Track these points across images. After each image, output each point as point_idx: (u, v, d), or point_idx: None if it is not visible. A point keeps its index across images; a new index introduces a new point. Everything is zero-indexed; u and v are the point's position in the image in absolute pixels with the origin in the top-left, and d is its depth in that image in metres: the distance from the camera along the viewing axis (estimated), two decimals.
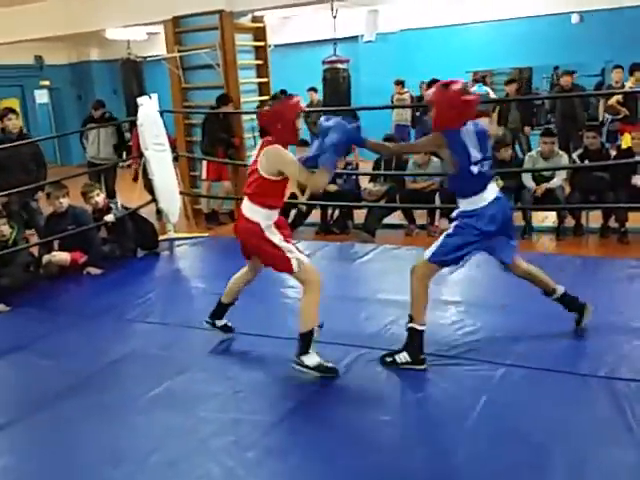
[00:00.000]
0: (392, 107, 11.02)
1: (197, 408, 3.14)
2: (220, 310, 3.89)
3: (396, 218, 6.83)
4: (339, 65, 7.54)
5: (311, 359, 3.32)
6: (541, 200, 6.00)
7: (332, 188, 6.94)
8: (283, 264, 3.38)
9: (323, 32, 9.15)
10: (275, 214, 3.45)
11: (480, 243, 3.35)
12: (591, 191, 5.96)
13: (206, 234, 6.81)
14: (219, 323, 3.91)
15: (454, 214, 3.45)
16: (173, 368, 3.57)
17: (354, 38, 11.79)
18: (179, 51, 7.72)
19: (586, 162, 6.08)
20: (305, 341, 3.33)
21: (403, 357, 3.36)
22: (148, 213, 6.70)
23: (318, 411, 3.06)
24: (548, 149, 6.11)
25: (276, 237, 3.38)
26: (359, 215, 6.88)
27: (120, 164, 10.68)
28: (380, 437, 2.83)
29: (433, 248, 3.37)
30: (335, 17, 7.02)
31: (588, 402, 2.96)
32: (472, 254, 3.62)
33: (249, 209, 3.43)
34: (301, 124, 3.40)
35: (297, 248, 3.48)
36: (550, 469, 2.50)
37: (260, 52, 8.04)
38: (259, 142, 3.57)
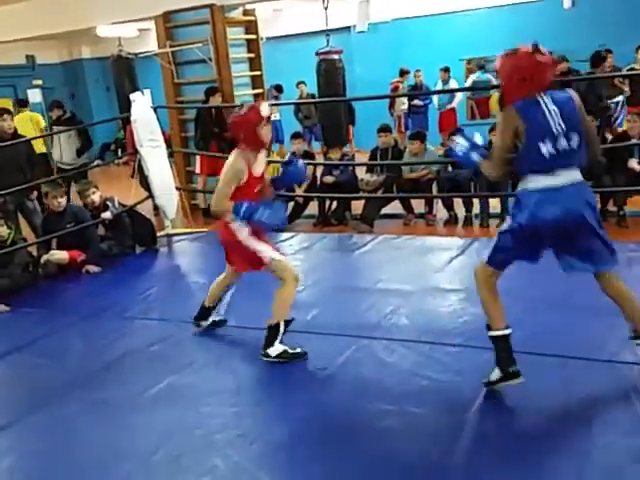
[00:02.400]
0: (386, 97, 10.98)
1: (200, 403, 3.14)
2: (203, 313, 3.96)
3: (394, 208, 6.82)
4: (334, 56, 7.51)
5: (274, 350, 3.43)
6: None
7: (329, 180, 6.93)
8: (254, 261, 3.51)
9: (315, 24, 9.12)
10: None
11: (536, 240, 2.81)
12: (588, 175, 5.93)
13: (204, 229, 6.79)
14: (205, 323, 3.98)
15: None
16: (174, 364, 3.57)
17: (346, 29, 11.75)
18: (171, 46, 7.69)
19: None
20: (271, 334, 3.45)
21: (495, 375, 2.93)
22: (145, 210, 6.67)
23: (322, 402, 3.05)
24: None
25: (244, 236, 3.47)
26: (357, 206, 6.86)
27: (115, 161, 10.72)
28: (384, 427, 2.82)
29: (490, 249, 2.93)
30: (327, 8, 6.97)
31: (592, 386, 2.95)
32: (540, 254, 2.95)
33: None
34: (267, 130, 3.48)
35: (272, 246, 3.60)
36: (555, 456, 2.50)
37: (252, 45, 8.02)
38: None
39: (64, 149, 7.67)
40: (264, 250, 3.49)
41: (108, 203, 5.84)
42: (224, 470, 2.62)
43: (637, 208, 5.87)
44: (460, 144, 2.99)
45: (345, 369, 3.33)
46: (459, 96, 10.98)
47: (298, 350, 3.49)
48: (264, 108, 3.47)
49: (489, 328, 2.97)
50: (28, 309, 4.78)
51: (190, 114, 7.81)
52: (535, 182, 2.76)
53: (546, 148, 2.71)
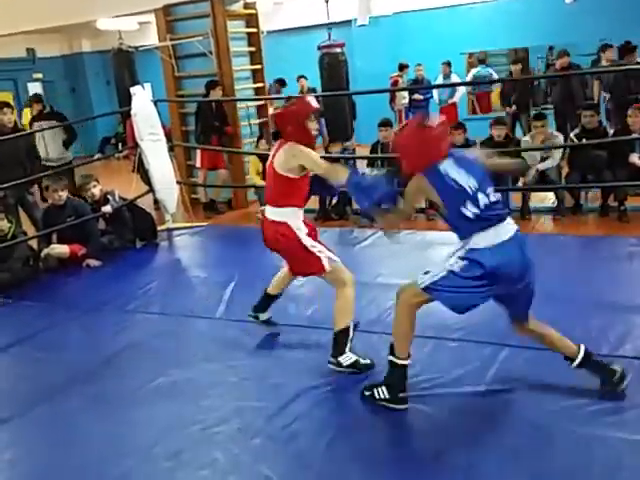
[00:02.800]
0: (386, 91, 10.94)
1: (200, 397, 3.14)
2: (264, 302, 3.76)
3: None
4: (336, 50, 7.49)
5: (347, 358, 3.24)
6: (538, 181, 5.99)
7: None
8: (315, 266, 3.27)
9: (316, 17, 9.08)
10: (301, 214, 3.36)
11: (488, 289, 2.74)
12: (589, 169, 5.95)
13: (205, 223, 6.79)
14: (263, 317, 3.79)
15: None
16: (175, 358, 3.58)
17: (347, 22, 11.69)
18: (171, 40, 7.66)
19: (583, 141, 6.05)
20: (341, 340, 3.24)
21: (382, 392, 2.90)
22: (146, 204, 6.67)
23: (321, 397, 3.06)
24: (539, 132, 6.11)
25: (306, 238, 3.27)
26: None
27: (115, 155, 10.68)
28: (383, 421, 2.83)
29: (429, 277, 2.79)
30: (327, 1, 6.95)
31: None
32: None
33: (275, 213, 3.31)
34: (315, 125, 3.28)
35: (325, 246, 3.37)
36: (552, 451, 2.50)
37: (253, 39, 7.98)
38: (274, 144, 3.46)
39: (49, 144, 7.33)
40: (323, 252, 3.27)
41: (109, 197, 5.84)
42: (224, 464, 2.63)
43: (638, 203, 5.86)
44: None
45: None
46: (461, 90, 10.95)
47: (368, 361, 3.25)
48: (313, 100, 3.33)
49: (392, 351, 2.86)
50: (29, 302, 4.79)
51: (191, 108, 7.79)
52: (476, 244, 2.70)
53: (469, 211, 2.67)
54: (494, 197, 2.72)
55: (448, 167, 2.70)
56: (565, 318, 3.57)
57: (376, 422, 2.83)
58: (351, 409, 2.95)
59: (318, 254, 3.25)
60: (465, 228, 2.72)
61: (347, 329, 3.26)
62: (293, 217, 3.28)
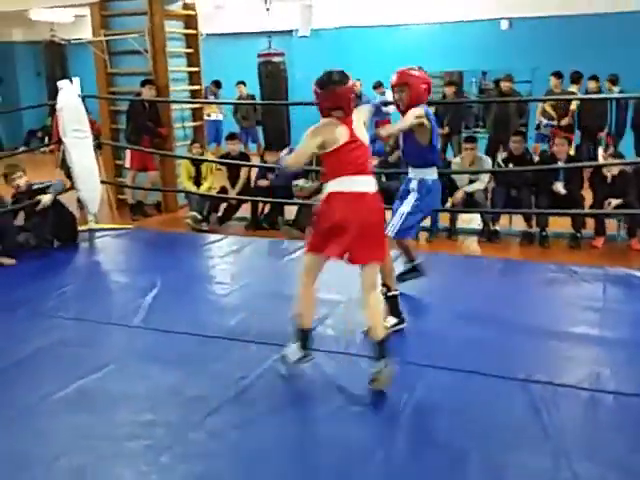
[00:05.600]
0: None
1: (110, 409, 2.99)
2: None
3: None
4: (276, 59, 7.47)
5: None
6: (465, 203, 6.11)
7: (264, 183, 6.85)
8: (385, 249, 3.30)
9: (256, 24, 9.02)
10: None
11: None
12: (513, 187, 6.12)
13: (130, 226, 6.57)
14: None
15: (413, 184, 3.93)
16: (87, 367, 3.39)
17: (288, 32, 11.70)
18: (105, 35, 7.43)
19: (510, 166, 6.21)
20: (382, 347, 3.06)
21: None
22: (70, 202, 6.37)
23: (239, 412, 2.96)
24: (468, 155, 6.26)
25: None
26: (290, 211, 6.81)
27: (41, 149, 10.27)
28: (299, 438, 2.78)
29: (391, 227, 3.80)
30: (268, 9, 6.91)
31: (507, 405, 2.98)
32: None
33: (374, 184, 3.14)
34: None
35: None
36: (468, 475, 2.51)
37: (191, 40, 7.86)
38: (339, 117, 3.13)
39: None
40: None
41: (48, 184, 5.60)
42: None
43: (558, 229, 6.06)
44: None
45: (264, 379, 3.25)
46: (390, 107, 11.07)
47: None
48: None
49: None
50: None
51: (123, 106, 7.56)
52: (435, 173, 3.95)
53: (437, 147, 3.95)
54: None
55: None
56: (483, 339, 3.64)
57: (290, 440, 2.77)
58: (269, 425, 2.87)
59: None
60: (436, 158, 3.95)
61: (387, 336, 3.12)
62: None
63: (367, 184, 3.12)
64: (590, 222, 5.97)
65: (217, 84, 10.88)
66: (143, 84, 7.12)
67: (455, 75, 11.90)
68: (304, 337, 3.22)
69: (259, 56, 7.43)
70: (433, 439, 2.76)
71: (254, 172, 7.10)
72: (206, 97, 9.96)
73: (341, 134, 3.10)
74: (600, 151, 8.29)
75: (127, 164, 7.32)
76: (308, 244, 3.27)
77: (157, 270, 4.92)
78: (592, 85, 8.73)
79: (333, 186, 3.11)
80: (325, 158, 3.17)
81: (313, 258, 3.22)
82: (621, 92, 8.67)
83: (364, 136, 3.18)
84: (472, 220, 6.64)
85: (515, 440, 2.72)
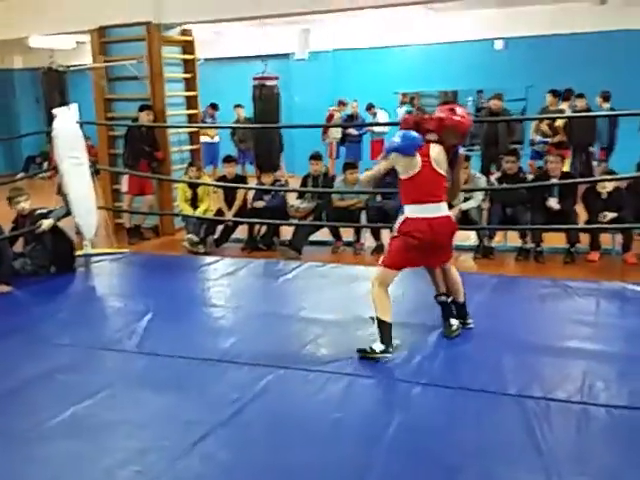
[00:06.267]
0: (322, 126, 11.08)
1: (102, 436, 2.99)
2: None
3: (323, 235, 6.84)
4: (269, 82, 7.53)
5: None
6: (459, 220, 6.13)
7: (260, 204, 6.89)
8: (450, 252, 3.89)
9: (254, 48, 9.14)
10: None
11: None
12: (509, 203, 6.15)
13: (126, 250, 6.59)
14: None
15: None
16: (81, 393, 3.38)
17: (286, 55, 11.83)
18: (105, 61, 7.53)
19: (504, 185, 6.24)
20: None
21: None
22: (68, 227, 6.40)
23: (232, 436, 2.96)
24: (463, 173, 6.27)
25: None
26: (286, 232, 6.84)
27: (40, 175, 10.34)
28: (294, 460, 2.76)
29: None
30: (264, 35, 7.00)
31: (500, 421, 2.98)
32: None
33: (444, 209, 3.70)
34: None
35: None
36: None
37: (189, 65, 7.96)
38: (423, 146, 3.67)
39: None
40: None
41: (50, 209, 5.66)
42: None
43: (554, 245, 6.08)
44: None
45: (258, 400, 3.24)
46: (384, 127, 11.10)
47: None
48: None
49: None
50: None
51: (120, 131, 7.64)
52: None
53: None
54: None
55: None
56: (477, 354, 3.65)
57: (286, 462, 2.75)
58: (263, 448, 2.86)
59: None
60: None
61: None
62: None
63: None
64: (585, 237, 5.98)
65: (214, 106, 11.06)
66: (141, 109, 7.20)
67: (450, 94, 12.02)
68: (388, 330, 3.62)
69: (254, 79, 7.51)
70: (427, 457, 2.75)
71: (251, 194, 7.14)
72: (204, 119, 10.06)
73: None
74: (595, 165, 8.32)
75: (124, 189, 7.37)
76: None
77: (152, 294, 4.94)
78: (580, 103, 8.79)
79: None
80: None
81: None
82: (611, 109, 8.72)
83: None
84: (468, 237, 6.65)
85: (509, 456, 2.71)
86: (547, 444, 2.74)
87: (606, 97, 8.89)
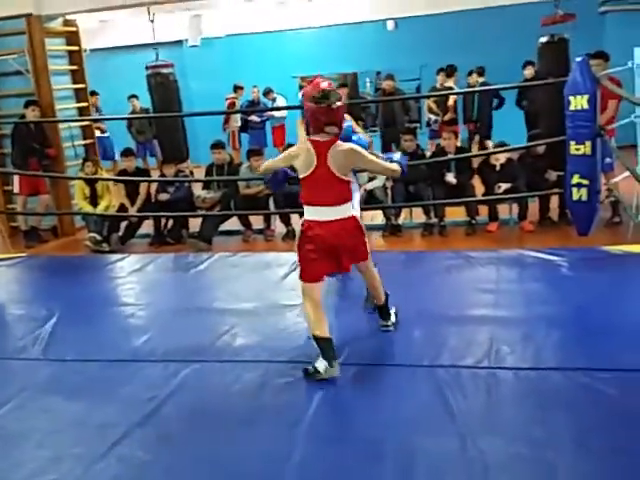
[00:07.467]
0: (225, 113, 10.90)
1: (10, 448, 2.83)
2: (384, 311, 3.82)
3: (232, 224, 6.77)
4: (165, 70, 7.34)
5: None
6: (365, 200, 6.25)
7: (164, 197, 6.73)
8: (366, 249, 3.51)
9: (144, 36, 8.84)
10: None
11: None
12: (410, 182, 6.31)
13: (24, 254, 6.26)
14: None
15: None
16: None
17: (179, 42, 11.56)
18: None
19: None
20: (384, 310, 3.75)
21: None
22: None
23: (149, 435, 2.88)
24: None
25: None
26: (194, 224, 6.72)
27: None
28: (214, 454, 2.73)
29: None
30: (152, 21, 6.80)
31: (415, 392, 3.05)
32: None
33: (341, 211, 3.31)
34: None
35: None
36: (382, 463, 2.56)
37: (75, 57, 7.64)
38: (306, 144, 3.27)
39: None
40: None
41: None
42: None
43: (455, 218, 6.31)
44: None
45: (174, 397, 3.17)
46: (284, 112, 10.99)
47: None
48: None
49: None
50: None
51: (6, 129, 7.22)
52: None
53: None
54: None
55: None
56: (384, 332, 3.73)
57: (207, 457, 2.72)
58: (180, 446, 2.80)
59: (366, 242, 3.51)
60: None
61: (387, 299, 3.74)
62: (356, 211, 3.60)
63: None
64: (484, 209, 6.25)
65: (93, 94, 10.43)
66: (26, 105, 6.84)
67: (350, 76, 12.15)
68: (327, 345, 3.25)
69: (147, 68, 7.29)
70: (349, 434, 2.79)
71: (154, 186, 6.96)
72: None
73: None
74: (489, 143, 8.65)
75: (16, 189, 6.99)
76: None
77: (56, 297, 4.72)
78: (473, 78, 9.10)
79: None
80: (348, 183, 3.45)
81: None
82: (484, 83, 8.94)
83: None
84: (375, 216, 6.80)
85: (425, 425, 2.79)
86: (460, 409, 2.85)
87: (480, 72, 9.19)
